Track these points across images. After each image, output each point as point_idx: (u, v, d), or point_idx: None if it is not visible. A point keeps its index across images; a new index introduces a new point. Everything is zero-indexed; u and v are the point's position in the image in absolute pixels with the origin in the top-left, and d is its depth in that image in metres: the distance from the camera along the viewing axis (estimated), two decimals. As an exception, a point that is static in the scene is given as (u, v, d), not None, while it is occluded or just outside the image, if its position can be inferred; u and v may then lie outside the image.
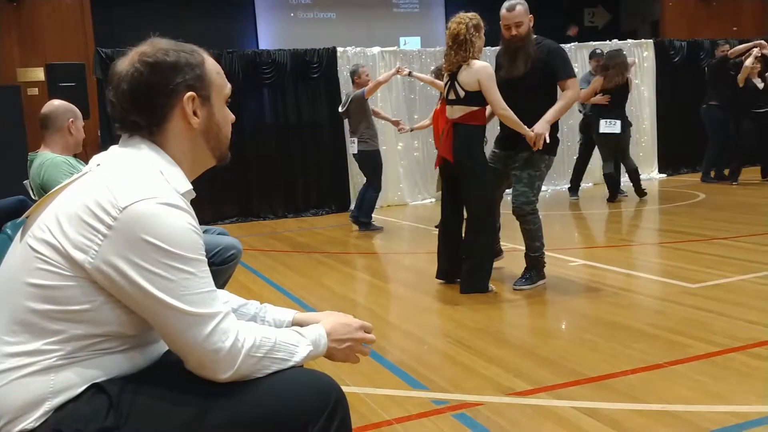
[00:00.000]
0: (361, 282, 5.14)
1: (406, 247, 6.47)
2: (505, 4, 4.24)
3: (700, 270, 4.49)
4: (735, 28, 12.54)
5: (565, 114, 4.37)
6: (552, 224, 7.48)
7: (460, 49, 4.19)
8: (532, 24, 4.26)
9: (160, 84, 1.40)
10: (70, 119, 3.45)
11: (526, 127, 4.12)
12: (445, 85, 4.38)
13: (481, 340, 3.46)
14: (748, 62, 8.63)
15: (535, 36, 4.28)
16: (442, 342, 3.48)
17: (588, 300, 4.09)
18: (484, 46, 4.38)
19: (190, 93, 1.42)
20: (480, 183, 4.32)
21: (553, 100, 4.27)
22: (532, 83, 4.20)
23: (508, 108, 4.17)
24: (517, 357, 3.16)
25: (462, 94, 4.22)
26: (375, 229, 7.20)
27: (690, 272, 4.50)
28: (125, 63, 1.41)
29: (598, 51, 8.58)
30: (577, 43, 10.32)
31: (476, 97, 4.21)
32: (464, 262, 4.38)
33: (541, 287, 4.40)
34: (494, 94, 4.17)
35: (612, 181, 8.17)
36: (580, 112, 8.67)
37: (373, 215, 7.37)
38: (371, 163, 7.13)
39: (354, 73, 7.28)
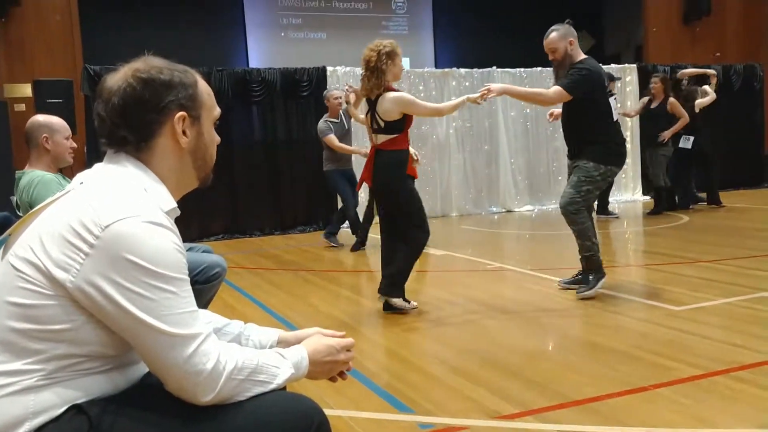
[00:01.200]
0: (348, 301, 5.12)
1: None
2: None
3: (684, 292, 4.51)
4: (718, 54, 12.72)
5: (534, 103, 4.66)
6: (538, 244, 7.51)
7: (372, 76, 4.28)
8: (572, 47, 4.49)
9: (152, 100, 1.40)
10: (44, 135, 3.36)
11: (466, 96, 4.46)
12: (367, 113, 4.44)
13: (468, 361, 3.45)
14: (711, 93, 8.83)
15: (584, 57, 4.55)
16: (428, 363, 3.47)
17: (573, 321, 4.10)
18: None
19: (181, 112, 1.43)
20: (404, 199, 4.34)
21: (592, 118, 4.48)
22: (568, 103, 4.51)
23: (434, 106, 4.57)
24: (503, 379, 3.15)
25: (382, 124, 4.29)
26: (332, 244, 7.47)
27: (674, 294, 4.52)
28: (117, 78, 1.41)
29: (616, 75, 8.66)
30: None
31: (396, 126, 4.29)
32: (385, 267, 4.45)
33: (527, 308, 4.40)
34: (422, 109, 4.42)
35: (668, 194, 8.83)
36: None
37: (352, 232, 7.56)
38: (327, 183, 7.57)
39: (324, 97, 7.46)
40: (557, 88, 4.45)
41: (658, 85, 8.42)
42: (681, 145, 8.72)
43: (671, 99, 8.47)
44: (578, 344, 3.63)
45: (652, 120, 8.63)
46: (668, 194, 8.80)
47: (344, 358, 1.59)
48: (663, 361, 3.26)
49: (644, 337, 3.69)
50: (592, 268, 4.59)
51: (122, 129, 1.40)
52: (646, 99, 8.73)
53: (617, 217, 8.70)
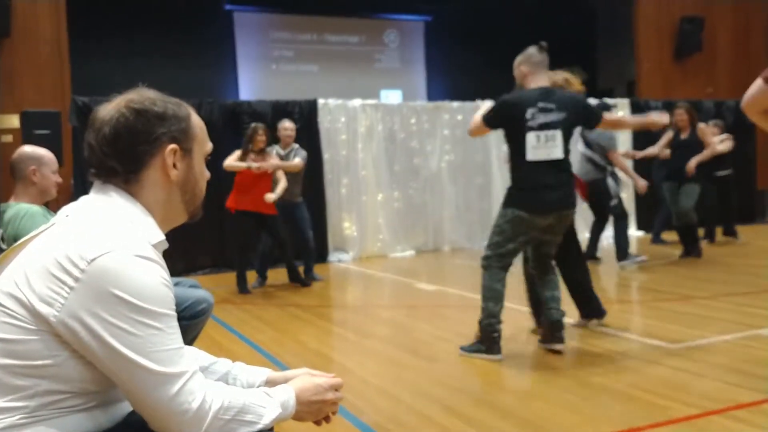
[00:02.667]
0: (338, 337, 5.04)
1: (384, 300, 6.40)
2: None
3: (679, 330, 4.46)
4: (710, 90, 12.86)
5: None
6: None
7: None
8: (520, 75, 4.29)
9: (144, 131, 1.38)
10: (32, 167, 3.28)
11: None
12: None
13: (460, 400, 3.38)
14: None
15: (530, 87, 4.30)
16: (419, 402, 3.39)
17: (567, 359, 4.04)
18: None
19: (172, 145, 1.41)
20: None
21: (511, 156, 4.11)
22: None
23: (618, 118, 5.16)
24: (497, 419, 3.08)
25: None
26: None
27: (669, 332, 4.48)
28: (110, 108, 1.40)
29: (611, 104, 8.72)
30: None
31: None
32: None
33: (521, 345, 4.34)
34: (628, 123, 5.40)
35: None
36: None
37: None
38: None
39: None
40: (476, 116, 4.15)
41: (685, 117, 8.17)
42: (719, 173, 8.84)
43: (701, 126, 8.32)
44: (572, 383, 3.57)
45: (682, 151, 8.20)
46: (692, 230, 8.23)
47: (332, 397, 1.55)
48: (658, 400, 3.21)
49: (639, 375, 3.63)
50: (481, 338, 4.00)
51: (112, 159, 1.38)
52: (671, 132, 8.53)
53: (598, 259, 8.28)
